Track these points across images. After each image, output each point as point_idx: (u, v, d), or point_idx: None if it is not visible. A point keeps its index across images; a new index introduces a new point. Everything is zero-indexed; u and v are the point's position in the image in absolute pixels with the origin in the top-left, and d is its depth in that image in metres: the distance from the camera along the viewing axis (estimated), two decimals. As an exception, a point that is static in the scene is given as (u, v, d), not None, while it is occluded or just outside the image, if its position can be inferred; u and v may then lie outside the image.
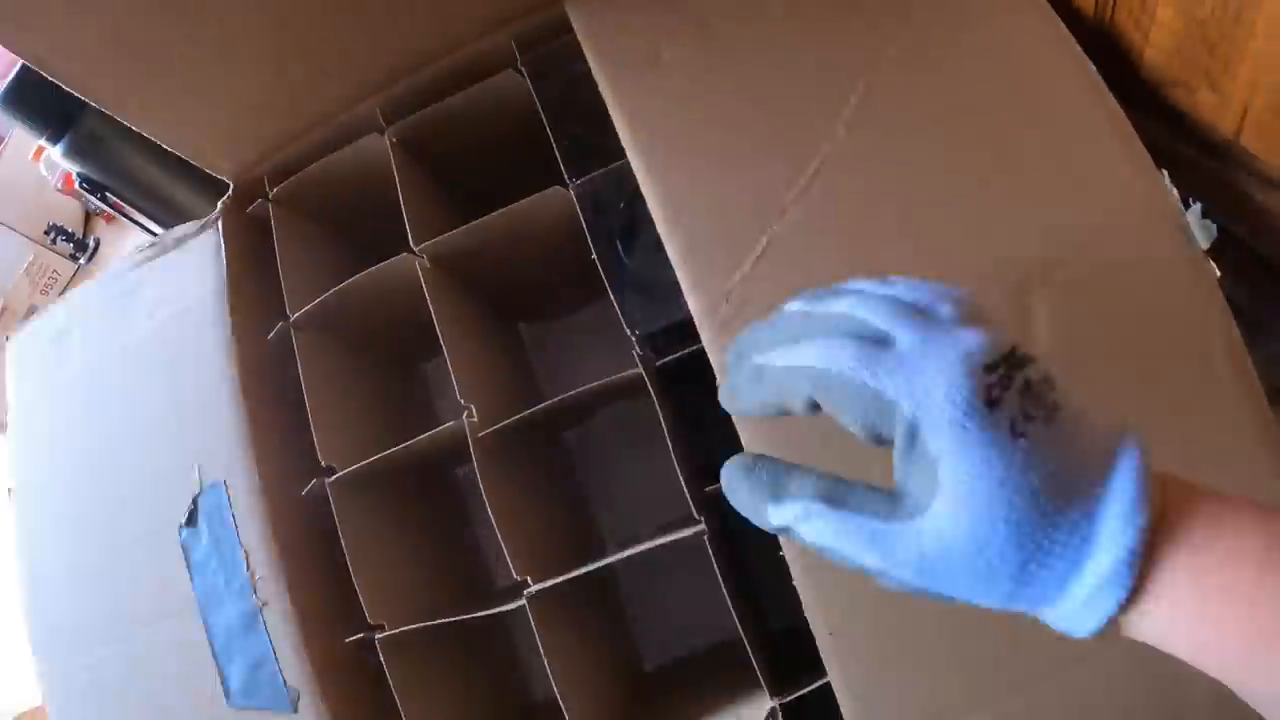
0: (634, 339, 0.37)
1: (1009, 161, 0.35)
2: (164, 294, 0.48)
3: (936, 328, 0.18)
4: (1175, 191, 0.33)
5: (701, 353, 0.36)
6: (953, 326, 0.18)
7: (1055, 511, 0.17)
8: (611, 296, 0.38)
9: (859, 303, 0.19)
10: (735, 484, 0.20)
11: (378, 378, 0.51)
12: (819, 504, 0.19)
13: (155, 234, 0.66)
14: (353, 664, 0.43)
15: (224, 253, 0.46)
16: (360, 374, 0.49)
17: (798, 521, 0.19)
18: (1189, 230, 0.32)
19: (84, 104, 0.45)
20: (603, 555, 0.38)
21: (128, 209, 0.66)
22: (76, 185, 0.66)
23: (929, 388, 0.17)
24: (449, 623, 0.42)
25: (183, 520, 0.45)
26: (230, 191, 0.48)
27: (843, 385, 0.18)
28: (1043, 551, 0.17)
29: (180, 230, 0.49)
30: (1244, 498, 0.18)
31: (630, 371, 0.37)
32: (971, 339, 0.18)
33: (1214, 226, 0.34)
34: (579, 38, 0.40)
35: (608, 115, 0.39)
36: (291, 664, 0.42)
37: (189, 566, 0.45)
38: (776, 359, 0.20)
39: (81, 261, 1.20)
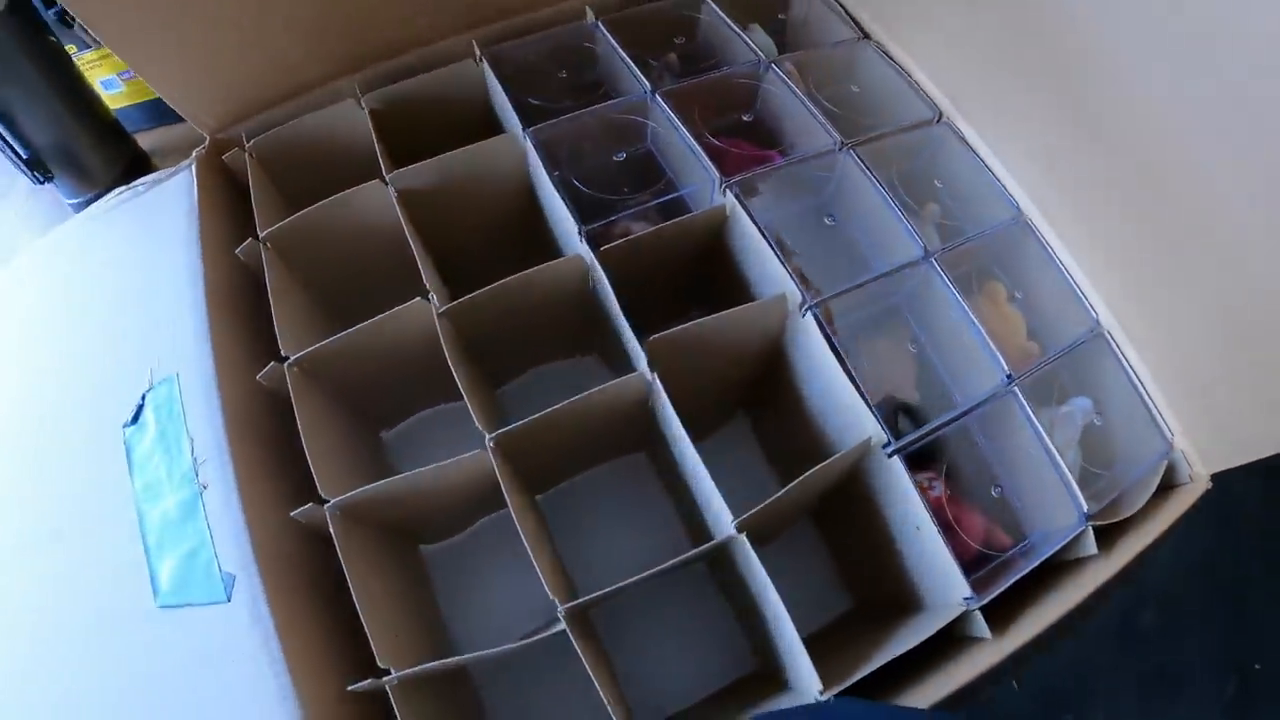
0: (580, 231, 0.49)
1: None
2: (136, 226, 0.53)
3: None
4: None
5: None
6: None
7: None
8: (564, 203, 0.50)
9: None
10: None
11: (339, 297, 0.57)
12: None
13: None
14: (296, 549, 0.46)
15: (195, 189, 0.54)
16: (325, 292, 0.55)
17: None
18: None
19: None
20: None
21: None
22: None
23: None
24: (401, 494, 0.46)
25: (128, 419, 0.47)
26: (205, 143, 0.56)
27: None
28: None
29: (152, 177, 0.55)
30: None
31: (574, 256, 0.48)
32: None
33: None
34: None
35: (553, 86, 0.53)
36: (229, 548, 0.42)
37: (130, 465, 0.46)
38: None
39: None
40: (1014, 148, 0.54)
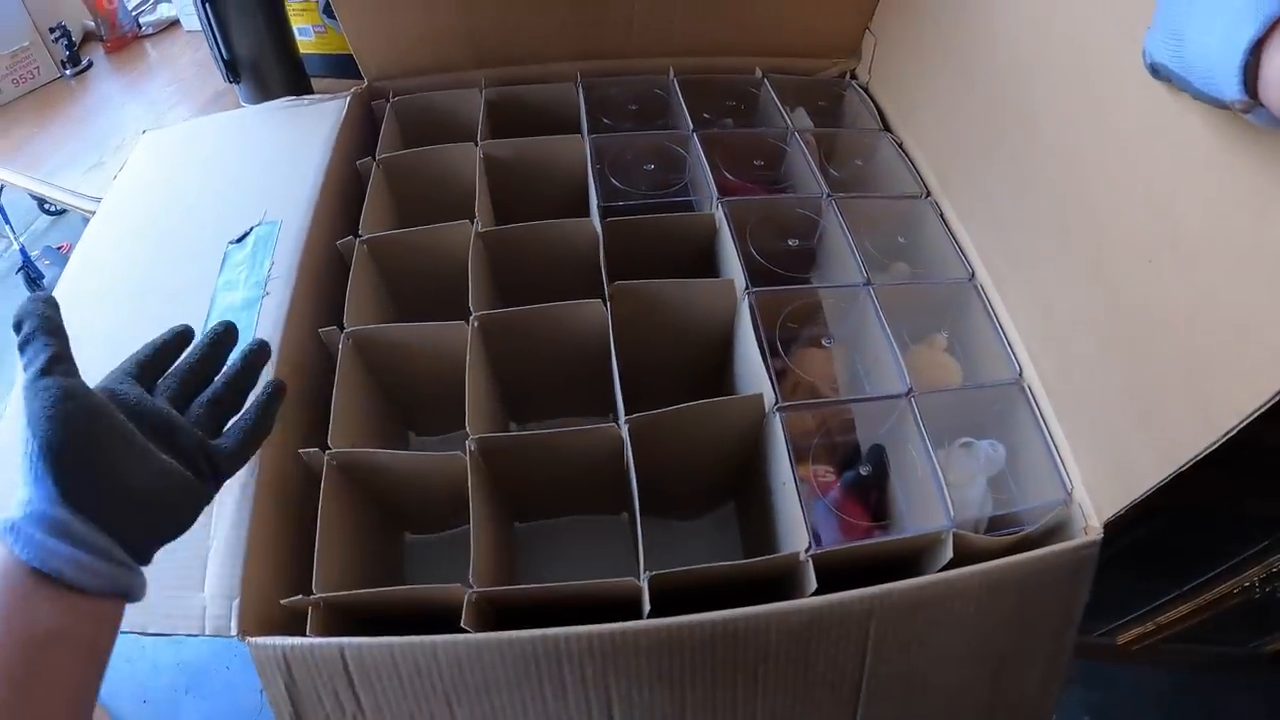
0: (599, 209, 0.64)
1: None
2: (293, 122, 0.74)
3: None
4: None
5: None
6: None
7: None
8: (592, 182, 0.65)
9: None
10: None
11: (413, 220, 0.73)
12: None
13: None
14: (311, 361, 0.60)
15: (344, 112, 0.74)
16: (406, 216, 0.73)
17: None
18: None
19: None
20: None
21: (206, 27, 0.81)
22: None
23: None
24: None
25: (235, 238, 0.65)
26: (365, 84, 0.78)
27: None
28: None
29: (314, 98, 0.77)
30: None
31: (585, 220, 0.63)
32: None
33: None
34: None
35: (622, 115, 0.71)
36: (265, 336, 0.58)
37: (222, 265, 0.63)
38: None
39: (66, 74, 1.18)
40: (978, 220, 0.64)
